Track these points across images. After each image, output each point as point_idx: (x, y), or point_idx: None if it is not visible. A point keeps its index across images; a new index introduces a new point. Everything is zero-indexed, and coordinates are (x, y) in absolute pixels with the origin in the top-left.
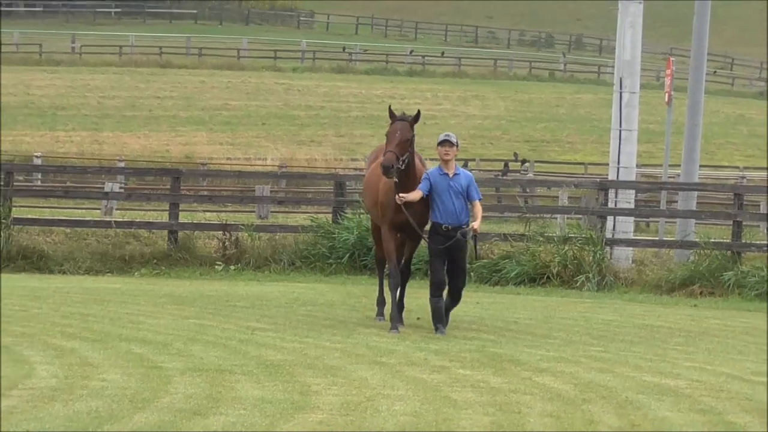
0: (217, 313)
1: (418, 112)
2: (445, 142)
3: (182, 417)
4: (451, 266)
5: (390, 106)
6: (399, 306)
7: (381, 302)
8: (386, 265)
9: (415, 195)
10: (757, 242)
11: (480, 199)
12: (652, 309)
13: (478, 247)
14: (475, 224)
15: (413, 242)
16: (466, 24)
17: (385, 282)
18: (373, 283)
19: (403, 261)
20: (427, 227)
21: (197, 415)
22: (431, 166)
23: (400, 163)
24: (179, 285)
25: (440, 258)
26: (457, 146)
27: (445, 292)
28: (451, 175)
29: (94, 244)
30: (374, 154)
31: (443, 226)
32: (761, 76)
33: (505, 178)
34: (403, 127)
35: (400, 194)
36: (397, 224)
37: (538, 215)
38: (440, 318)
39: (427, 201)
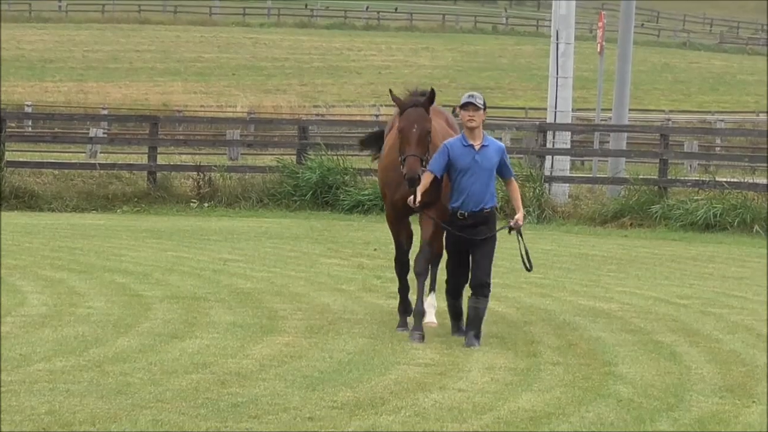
0: (193, 246)
1: (432, 91)
2: (468, 105)
3: (161, 340)
4: (472, 252)
5: (391, 90)
6: (418, 307)
7: (403, 311)
8: (409, 265)
9: (426, 180)
10: (682, 178)
11: (514, 176)
12: (586, 239)
13: (525, 244)
14: (519, 216)
15: (428, 221)
16: None
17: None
18: (335, 218)
19: (424, 241)
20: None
21: (175, 338)
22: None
23: (424, 164)
24: (158, 221)
25: (456, 254)
26: (485, 108)
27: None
28: (477, 147)
29: (80, 185)
30: (392, 122)
31: (459, 213)
32: (684, 27)
33: None
34: (419, 116)
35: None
36: (398, 203)
37: None
38: (457, 316)
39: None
